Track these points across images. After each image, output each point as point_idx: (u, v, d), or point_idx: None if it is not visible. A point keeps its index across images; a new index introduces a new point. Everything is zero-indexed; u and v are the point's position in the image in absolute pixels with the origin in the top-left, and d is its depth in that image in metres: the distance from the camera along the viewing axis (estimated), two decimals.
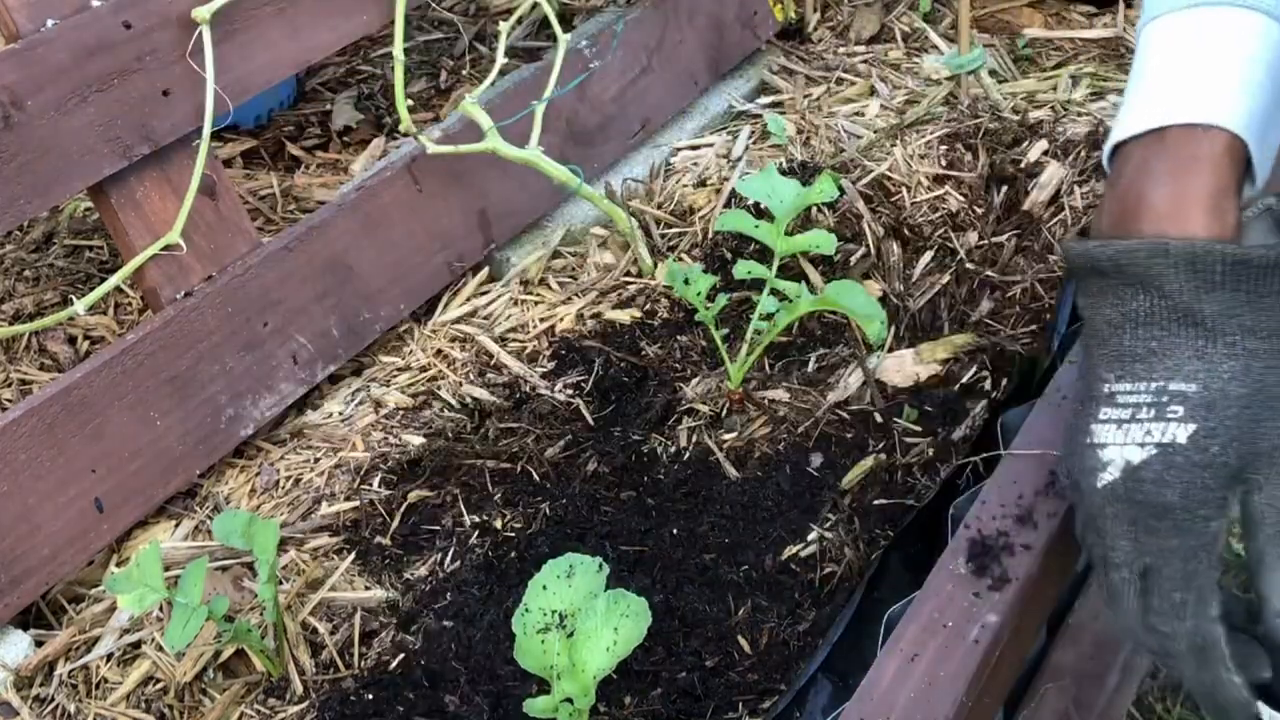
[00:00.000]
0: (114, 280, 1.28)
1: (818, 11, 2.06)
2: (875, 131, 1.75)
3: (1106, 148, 0.77)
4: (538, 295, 1.57)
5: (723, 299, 1.37)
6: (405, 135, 1.49)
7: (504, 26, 1.51)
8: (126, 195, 1.29)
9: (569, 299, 1.55)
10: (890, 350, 1.38)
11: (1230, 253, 0.70)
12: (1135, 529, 0.73)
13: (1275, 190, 0.86)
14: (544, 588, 0.90)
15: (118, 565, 1.28)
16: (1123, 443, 0.73)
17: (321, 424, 1.42)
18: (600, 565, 0.91)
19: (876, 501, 1.19)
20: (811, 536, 1.17)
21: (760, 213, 1.44)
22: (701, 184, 1.73)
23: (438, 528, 1.26)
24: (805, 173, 1.67)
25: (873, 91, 1.88)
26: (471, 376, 1.45)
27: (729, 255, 1.56)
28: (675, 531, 1.20)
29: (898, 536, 1.06)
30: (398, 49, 1.41)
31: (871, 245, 1.52)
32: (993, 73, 1.85)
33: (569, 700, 0.88)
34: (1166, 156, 0.73)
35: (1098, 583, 0.76)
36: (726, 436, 1.31)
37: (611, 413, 1.36)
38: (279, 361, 1.39)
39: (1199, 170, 0.72)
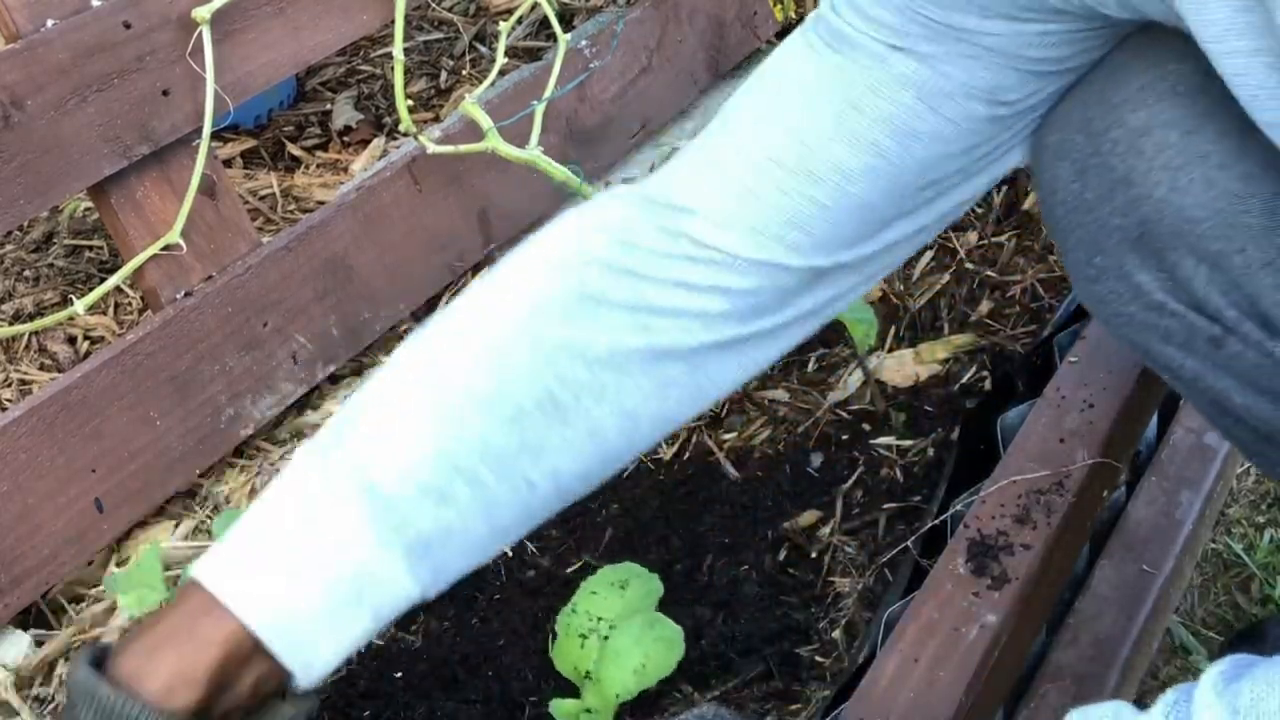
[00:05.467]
0: (114, 280, 1.28)
1: None
2: None
3: (191, 569, 0.71)
4: None
5: None
6: (405, 135, 1.49)
7: (504, 26, 1.51)
8: (126, 195, 1.29)
9: None
10: (890, 350, 1.38)
11: None
12: None
13: None
14: (594, 593, 0.89)
15: (118, 565, 1.28)
16: None
17: (322, 424, 1.42)
18: (657, 585, 0.89)
19: (879, 505, 1.19)
20: (813, 536, 1.17)
21: None
22: None
23: None
24: None
25: None
26: None
27: None
28: (675, 531, 1.20)
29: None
30: (398, 49, 1.41)
31: None
32: None
33: (589, 711, 0.88)
34: (186, 614, 0.68)
35: None
36: (726, 436, 1.31)
37: None
38: (279, 361, 1.39)
39: (186, 645, 0.67)
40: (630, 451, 0.77)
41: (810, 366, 1.38)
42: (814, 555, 1.16)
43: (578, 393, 0.73)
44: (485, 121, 1.45)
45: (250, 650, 0.67)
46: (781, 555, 1.16)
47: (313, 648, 0.68)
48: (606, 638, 0.88)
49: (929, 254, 1.50)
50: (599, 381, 0.73)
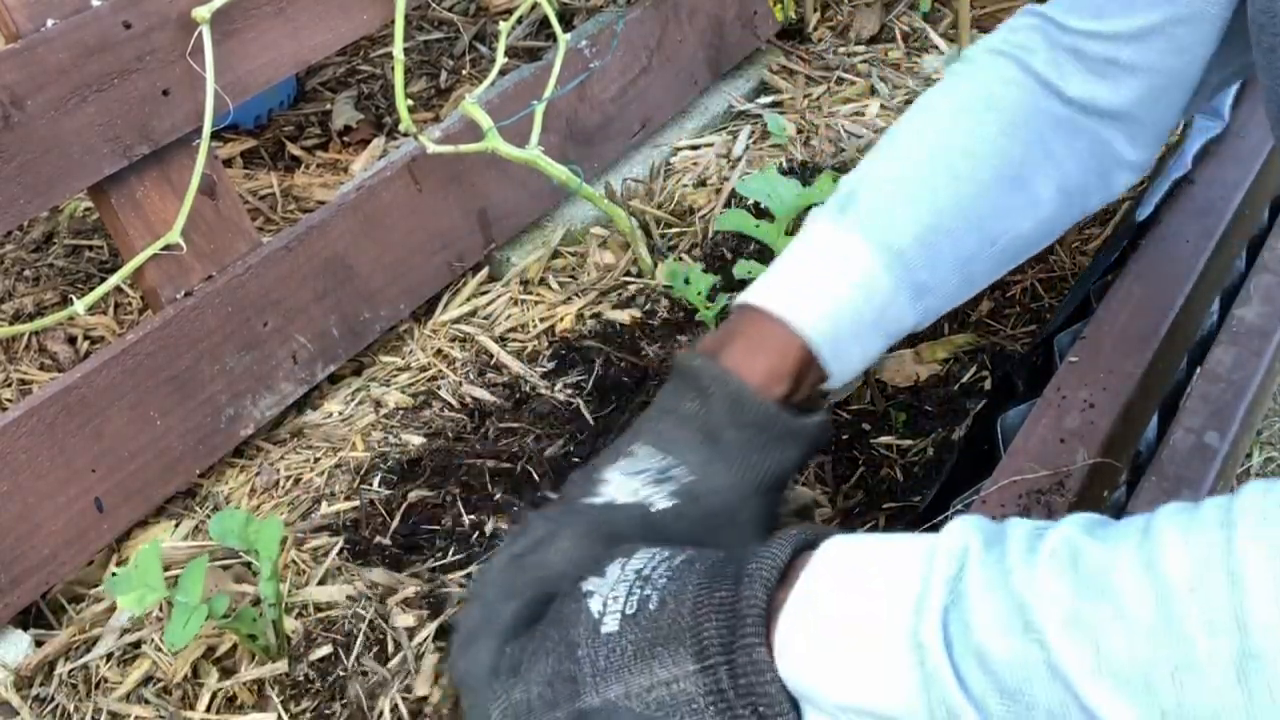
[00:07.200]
0: (114, 280, 1.28)
1: (818, 11, 2.06)
2: (876, 131, 1.75)
3: (738, 299, 0.97)
4: (538, 295, 1.57)
5: (723, 299, 1.37)
6: (405, 135, 1.49)
7: (504, 26, 1.51)
8: (126, 195, 1.29)
9: (569, 299, 1.55)
10: (890, 350, 1.38)
11: (763, 408, 0.90)
12: (585, 541, 0.85)
13: None
14: None
15: (118, 565, 1.28)
16: (620, 486, 0.90)
17: (321, 424, 1.42)
18: None
19: (879, 505, 1.19)
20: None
21: (760, 212, 1.44)
22: (701, 184, 1.73)
23: (438, 528, 1.26)
24: (806, 173, 1.67)
25: (873, 91, 1.88)
26: (471, 376, 1.45)
27: (729, 255, 1.56)
28: None
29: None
30: (398, 49, 1.41)
31: None
32: None
33: None
34: (758, 328, 0.93)
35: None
36: None
37: (611, 413, 1.36)
38: (279, 361, 1.39)
39: (772, 350, 0.93)
40: (1061, 223, 1.01)
41: None
42: None
43: (1025, 163, 0.97)
44: (485, 121, 1.45)
45: (811, 358, 0.93)
46: None
47: (848, 358, 0.94)
48: None
49: None
50: (1039, 155, 0.97)
